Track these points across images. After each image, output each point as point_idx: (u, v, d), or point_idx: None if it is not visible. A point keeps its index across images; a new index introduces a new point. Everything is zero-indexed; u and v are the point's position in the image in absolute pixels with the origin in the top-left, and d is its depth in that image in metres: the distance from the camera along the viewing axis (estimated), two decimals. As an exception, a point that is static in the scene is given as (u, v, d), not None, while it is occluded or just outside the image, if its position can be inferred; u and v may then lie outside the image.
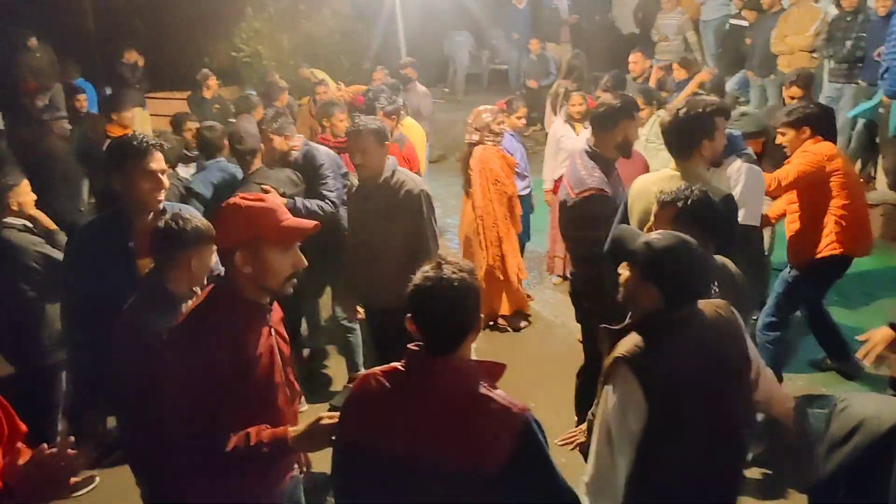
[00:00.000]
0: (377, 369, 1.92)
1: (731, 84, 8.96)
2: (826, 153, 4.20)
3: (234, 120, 6.56)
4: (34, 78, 9.78)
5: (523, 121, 6.05)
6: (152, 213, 2.82)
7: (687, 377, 2.12)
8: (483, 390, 1.81)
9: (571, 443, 2.76)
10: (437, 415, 1.79)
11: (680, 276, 2.16)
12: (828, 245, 4.22)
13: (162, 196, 2.84)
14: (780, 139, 4.30)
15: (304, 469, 2.58)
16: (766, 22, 8.21)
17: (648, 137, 5.42)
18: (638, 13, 10.95)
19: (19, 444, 1.98)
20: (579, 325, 3.94)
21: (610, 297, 3.47)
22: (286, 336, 2.35)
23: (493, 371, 1.88)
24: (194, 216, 2.55)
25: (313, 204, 4.25)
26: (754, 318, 4.30)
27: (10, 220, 3.73)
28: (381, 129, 3.75)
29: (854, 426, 1.74)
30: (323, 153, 4.65)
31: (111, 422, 3.77)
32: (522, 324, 5.67)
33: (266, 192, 4.10)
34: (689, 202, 2.56)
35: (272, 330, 2.25)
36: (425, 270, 1.84)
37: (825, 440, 1.83)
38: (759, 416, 2.70)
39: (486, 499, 1.74)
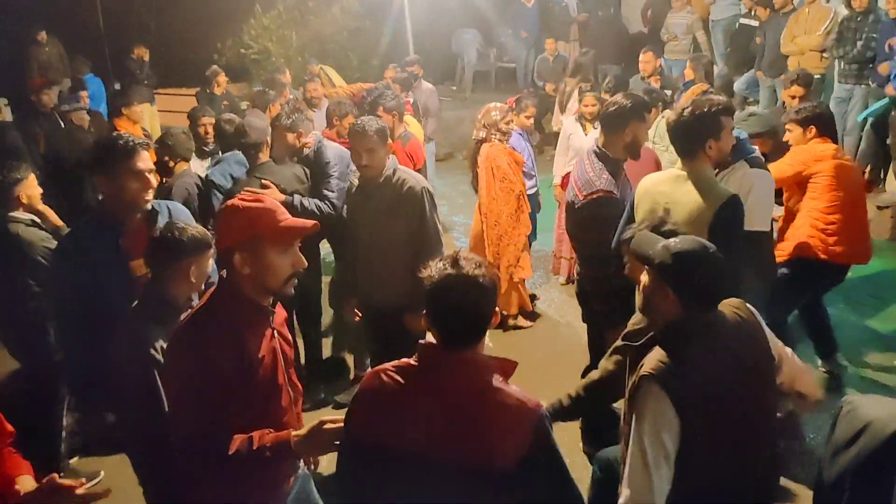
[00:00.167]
0: (387, 365, 1.91)
1: (739, 84, 8.93)
2: (816, 154, 4.16)
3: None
4: (42, 73, 9.84)
5: (532, 120, 6.04)
6: (140, 214, 2.81)
7: (715, 387, 2.10)
8: (498, 385, 1.81)
9: None
10: (452, 409, 1.78)
11: (698, 281, 2.14)
12: (803, 248, 4.18)
13: (150, 196, 2.82)
14: (786, 136, 4.29)
15: (313, 466, 2.57)
16: (777, 22, 8.16)
17: (653, 139, 5.41)
18: (646, 12, 10.91)
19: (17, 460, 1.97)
20: (585, 325, 3.93)
21: (616, 298, 3.50)
22: (289, 337, 2.35)
23: (506, 367, 1.87)
24: (188, 224, 2.54)
25: (311, 203, 4.25)
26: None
27: (17, 214, 3.73)
28: (384, 128, 3.75)
29: (859, 429, 1.73)
30: (333, 151, 4.65)
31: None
32: (525, 323, 5.65)
33: (265, 187, 4.13)
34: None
35: (275, 332, 2.25)
36: (443, 266, 1.83)
37: (830, 443, 1.82)
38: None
39: (501, 493, 1.73)
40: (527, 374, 2.00)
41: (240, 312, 2.13)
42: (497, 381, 1.82)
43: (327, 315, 5.12)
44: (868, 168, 7.28)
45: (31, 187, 3.82)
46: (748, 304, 2.31)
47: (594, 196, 3.48)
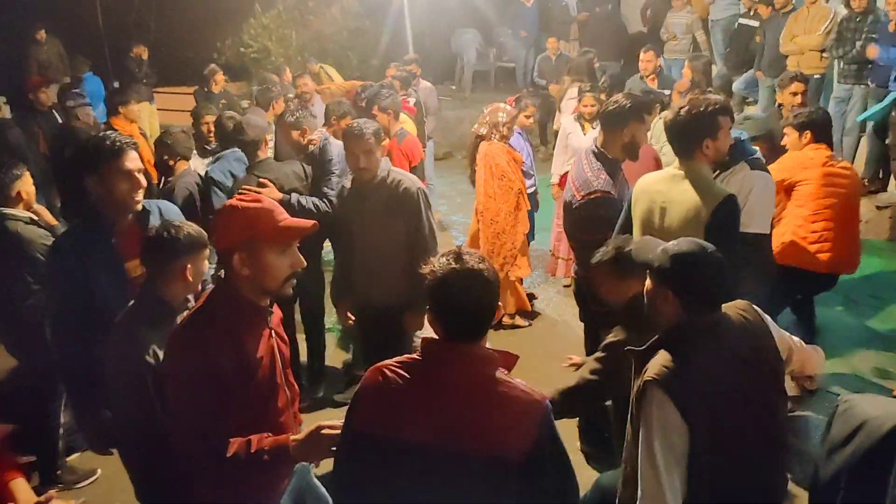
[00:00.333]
0: (389, 361, 1.90)
1: (738, 84, 8.91)
2: (804, 162, 4.13)
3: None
4: (41, 72, 9.83)
5: (531, 119, 6.04)
6: (132, 214, 2.79)
7: (720, 389, 2.09)
8: (503, 378, 1.82)
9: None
10: (460, 402, 1.78)
11: (697, 281, 2.15)
12: (784, 255, 4.12)
13: (140, 196, 2.79)
14: (784, 140, 4.29)
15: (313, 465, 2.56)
16: (777, 21, 8.14)
17: (650, 140, 5.40)
18: (646, 11, 10.91)
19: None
20: (581, 324, 3.93)
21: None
22: (286, 337, 2.35)
23: (509, 360, 1.88)
24: (184, 222, 2.51)
25: (309, 201, 4.25)
26: None
27: (15, 212, 3.72)
28: (379, 130, 3.76)
29: (855, 428, 1.73)
30: (337, 148, 4.65)
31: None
32: (523, 322, 5.65)
33: (263, 185, 4.13)
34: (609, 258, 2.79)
35: (272, 332, 2.24)
36: (446, 261, 1.83)
37: (826, 442, 1.82)
38: None
39: (509, 484, 1.74)
40: (524, 373, 2.01)
41: (238, 313, 2.13)
42: (501, 373, 1.83)
43: (330, 314, 5.12)
44: (872, 174, 7.25)
45: (27, 184, 3.81)
46: (755, 306, 2.30)
47: (592, 196, 3.49)
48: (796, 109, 4.52)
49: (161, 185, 4.62)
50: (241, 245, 2.07)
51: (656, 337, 2.22)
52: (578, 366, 3.15)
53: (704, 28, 9.79)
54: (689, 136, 3.08)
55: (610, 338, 2.82)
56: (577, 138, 5.77)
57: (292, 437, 2.10)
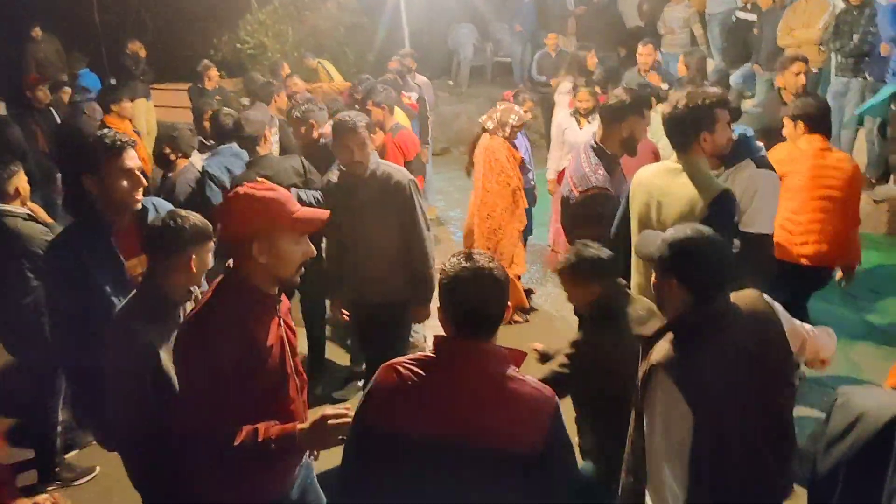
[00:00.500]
0: (402, 359, 1.95)
1: (736, 78, 8.90)
2: (793, 154, 4.05)
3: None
4: (40, 69, 9.81)
5: (530, 114, 6.04)
6: (130, 213, 2.78)
7: (727, 378, 2.08)
8: (514, 374, 1.88)
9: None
10: (473, 398, 1.83)
11: (698, 265, 2.14)
12: None
13: (140, 195, 2.78)
14: (784, 130, 4.25)
15: (315, 455, 2.55)
16: (774, 15, 8.14)
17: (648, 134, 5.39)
18: (643, 5, 10.88)
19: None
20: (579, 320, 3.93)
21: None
22: (293, 326, 2.36)
23: (518, 357, 1.93)
24: (189, 213, 2.48)
25: (309, 195, 4.24)
26: None
27: (12, 208, 3.71)
28: (369, 122, 3.74)
29: (853, 420, 1.73)
30: None
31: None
32: (520, 318, 5.64)
33: (268, 179, 4.12)
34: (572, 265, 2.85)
35: (281, 320, 2.25)
36: (458, 261, 1.88)
37: (824, 435, 1.82)
38: None
39: (520, 478, 1.80)
40: (522, 369, 2.02)
41: (249, 302, 2.13)
42: (513, 370, 1.89)
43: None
44: (879, 173, 7.22)
45: (23, 181, 3.80)
46: (766, 297, 2.28)
47: (589, 193, 3.48)
48: (797, 96, 4.46)
49: (161, 180, 4.60)
50: (261, 233, 2.08)
51: (662, 325, 2.21)
52: (542, 353, 3.19)
53: (702, 22, 9.78)
54: (687, 129, 3.05)
55: (576, 337, 2.90)
56: (573, 133, 5.77)
57: (299, 426, 2.11)
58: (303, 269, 2.20)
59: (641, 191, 3.18)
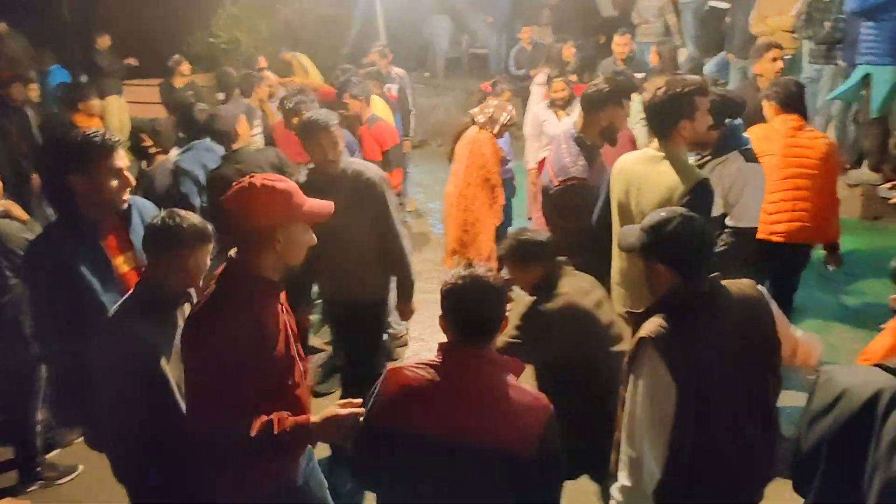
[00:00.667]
0: (408, 364, 2.07)
1: (710, 66, 8.95)
2: (769, 133, 4.07)
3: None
4: (11, 67, 9.60)
5: (513, 108, 6.02)
6: (116, 212, 2.75)
7: (714, 356, 2.13)
8: (514, 382, 2.02)
9: None
10: (478, 401, 1.96)
11: (678, 243, 2.19)
12: None
13: (127, 195, 2.75)
14: (764, 112, 4.29)
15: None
16: (747, 3, 8.20)
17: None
18: (617, -6, 10.94)
19: None
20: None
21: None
22: (291, 313, 2.38)
23: (517, 368, 2.08)
24: (189, 214, 2.48)
25: None
26: None
27: (-13, 207, 3.65)
28: (338, 120, 3.71)
29: (835, 397, 1.75)
30: (344, 135, 4.66)
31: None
32: None
33: (242, 173, 4.08)
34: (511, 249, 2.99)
35: (282, 306, 2.29)
36: (458, 272, 2.03)
37: (807, 413, 1.84)
38: None
39: (521, 478, 1.93)
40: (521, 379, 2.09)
41: (258, 290, 2.18)
42: (512, 379, 2.03)
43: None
44: (876, 162, 7.29)
45: (-3, 179, 3.73)
46: (759, 286, 2.33)
47: (568, 183, 3.49)
48: (777, 74, 4.48)
49: (139, 173, 4.55)
50: (283, 222, 2.15)
51: (653, 303, 2.26)
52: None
53: (675, 11, 9.83)
54: (667, 117, 3.07)
55: (523, 309, 3.01)
56: (552, 126, 5.77)
57: (312, 419, 2.15)
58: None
59: (622, 178, 3.20)
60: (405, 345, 5.29)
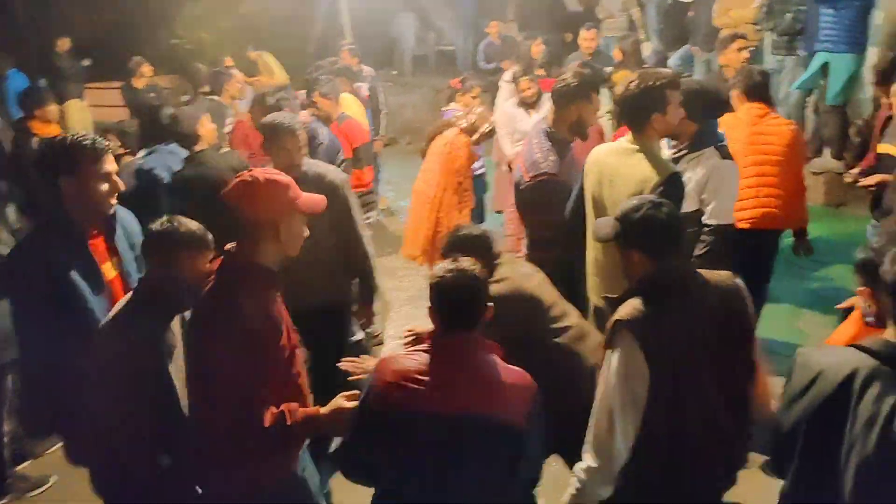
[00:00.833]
0: (396, 355, 2.20)
1: (674, 60, 9.05)
2: (733, 122, 4.09)
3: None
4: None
5: (478, 101, 6.02)
6: (102, 217, 2.72)
7: (688, 341, 2.19)
8: (499, 361, 2.15)
9: None
10: (472, 380, 2.08)
11: (648, 227, 2.26)
12: None
13: (115, 200, 2.72)
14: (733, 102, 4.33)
15: None
16: (709, -4, 8.31)
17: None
18: (581, -11, 10.99)
19: None
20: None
21: (559, 280, 3.52)
22: (283, 302, 2.39)
23: (498, 349, 2.19)
24: (189, 221, 2.49)
25: None
26: None
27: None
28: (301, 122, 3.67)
29: (812, 377, 1.77)
30: (325, 135, 4.67)
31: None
32: None
33: (204, 176, 4.06)
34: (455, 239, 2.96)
35: (280, 297, 2.32)
36: (445, 266, 2.15)
37: (785, 394, 1.87)
38: None
39: (516, 447, 2.07)
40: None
41: (261, 280, 2.22)
42: (497, 358, 2.15)
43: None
44: (838, 150, 7.39)
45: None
46: (737, 279, 2.38)
47: (539, 179, 3.50)
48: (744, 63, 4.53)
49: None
50: (285, 215, 2.22)
51: (629, 287, 2.31)
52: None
53: (639, 5, 9.93)
54: (639, 110, 3.08)
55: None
56: (523, 123, 5.78)
57: (322, 411, 2.22)
58: None
59: (595, 170, 3.22)
60: (381, 343, 5.27)
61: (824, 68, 6.95)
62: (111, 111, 10.28)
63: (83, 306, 2.55)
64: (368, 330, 5.05)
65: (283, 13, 12.11)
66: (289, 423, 2.13)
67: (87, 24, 11.82)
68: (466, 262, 2.17)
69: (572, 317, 2.92)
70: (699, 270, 2.34)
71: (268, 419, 2.11)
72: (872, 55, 6.85)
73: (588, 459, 2.31)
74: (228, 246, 2.26)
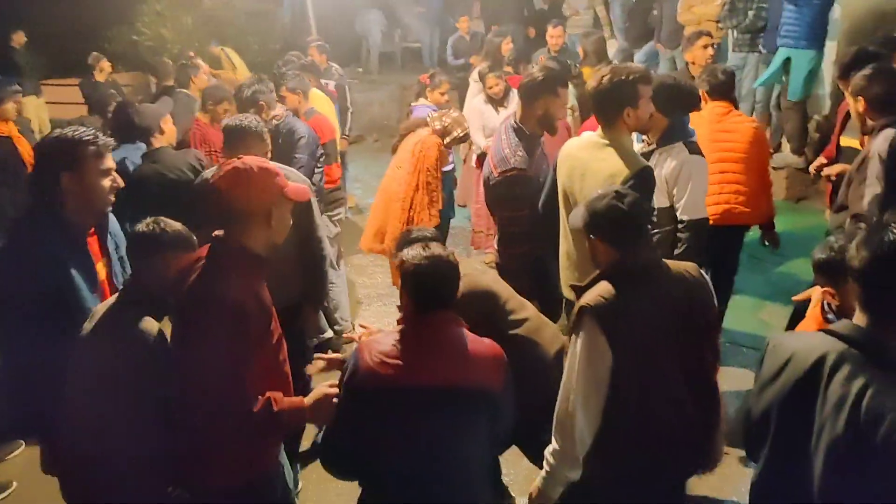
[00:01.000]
0: (374, 338, 2.28)
1: (639, 57, 9.15)
2: (696, 120, 4.11)
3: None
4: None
5: (446, 97, 6.02)
6: (104, 215, 2.71)
7: (652, 328, 2.25)
8: (471, 334, 2.25)
9: None
10: (449, 351, 2.19)
11: (613, 218, 2.32)
12: None
13: (113, 196, 2.69)
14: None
15: None
16: (673, -7, 8.41)
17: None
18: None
19: None
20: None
21: (527, 274, 3.53)
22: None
23: (466, 325, 2.28)
24: (172, 222, 2.49)
25: None
26: None
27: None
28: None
29: (784, 362, 1.81)
30: (304, 129, 4.63)
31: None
32: None
33: (160, 173, 4.05)
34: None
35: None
36: (418, 251, 2.22)
37: (758, 380, 1.90)
38: None
39: (494, 409, 2.21)
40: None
41: (250, 266, 2.24)
42: (467, 331, 2.25)
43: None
44: (798, 146, 7.54)
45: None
46: (700, 270, 2.46)
47: (508, 174, 3.50)
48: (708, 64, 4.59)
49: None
50: (276, 201, 2.27)
51: (595, 275, 2.37)
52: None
53: (604, 3, 10.01)
54: (610, 104, 3.09)
55: None
56: (492, 120, 5.80)
57: (306, 400, 2.25)
58: None
59: (566, 164, 3.24)
60: (351, 341, 5.22)
61: (786, 64, 7.07)
62: (69, 108, 10.07)
63: (82, 305, 2.50)
64: (338, 327, 5.03)
65: (246, 8, 11.97)
66: (275, 409, 2.14)
67: (42, 18, 11.52)
68: (438, 247, 2.25)
69: (528, 309, 2.96)
70: (665, 261, 2.42)
71: (255, 404, 2.12)
72: (831, 50, 6.99)
73: (554, 442, 2.38)
74: (217, 232, 2.29)
